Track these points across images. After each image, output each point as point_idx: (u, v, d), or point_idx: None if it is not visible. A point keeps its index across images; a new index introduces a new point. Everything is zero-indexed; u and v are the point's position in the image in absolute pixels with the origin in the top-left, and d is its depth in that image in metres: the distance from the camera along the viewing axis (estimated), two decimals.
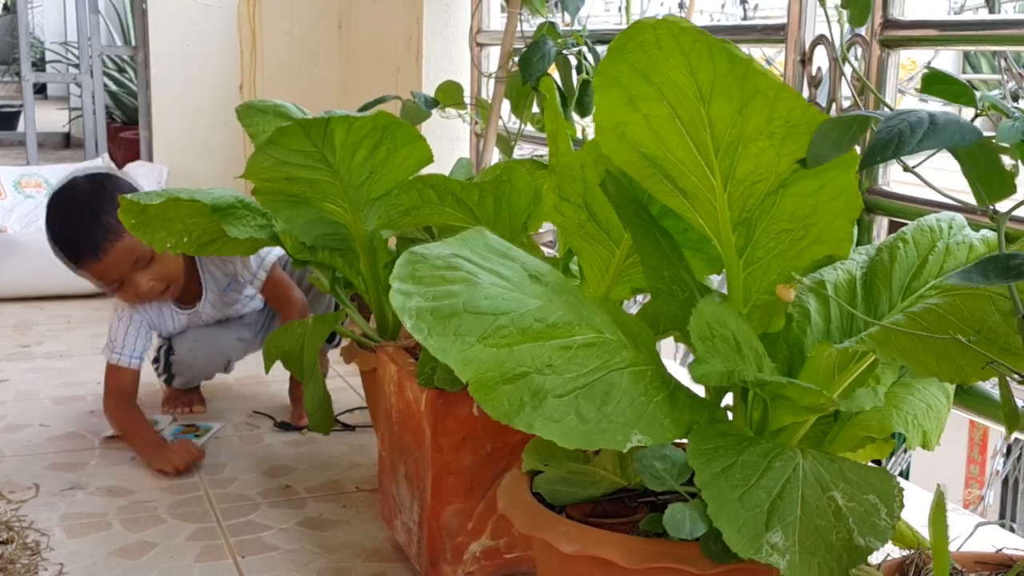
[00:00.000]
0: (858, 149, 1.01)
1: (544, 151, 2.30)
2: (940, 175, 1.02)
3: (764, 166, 1.01)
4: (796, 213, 1.04)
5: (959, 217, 1.13)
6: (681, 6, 2.67)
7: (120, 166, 3.34)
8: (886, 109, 1.19)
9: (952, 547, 0.97)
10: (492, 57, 2.57)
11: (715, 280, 1.32)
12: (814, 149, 0.93)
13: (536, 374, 0.86)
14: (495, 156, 2.14)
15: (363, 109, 2.08)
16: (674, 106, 1.00)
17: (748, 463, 0.86)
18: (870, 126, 0.87)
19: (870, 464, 0.94)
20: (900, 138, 0.71)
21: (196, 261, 2.02)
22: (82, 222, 1.88)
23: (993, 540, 1.04)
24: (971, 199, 1.02)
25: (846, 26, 1.26)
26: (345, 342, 1.83)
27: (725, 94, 0.97)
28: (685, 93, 0.99)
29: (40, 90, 6.99)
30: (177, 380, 2.10)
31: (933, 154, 0.95)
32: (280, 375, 2.12)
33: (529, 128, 2.10)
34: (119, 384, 1.95)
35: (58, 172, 3.25)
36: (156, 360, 2.12)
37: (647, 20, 0.97)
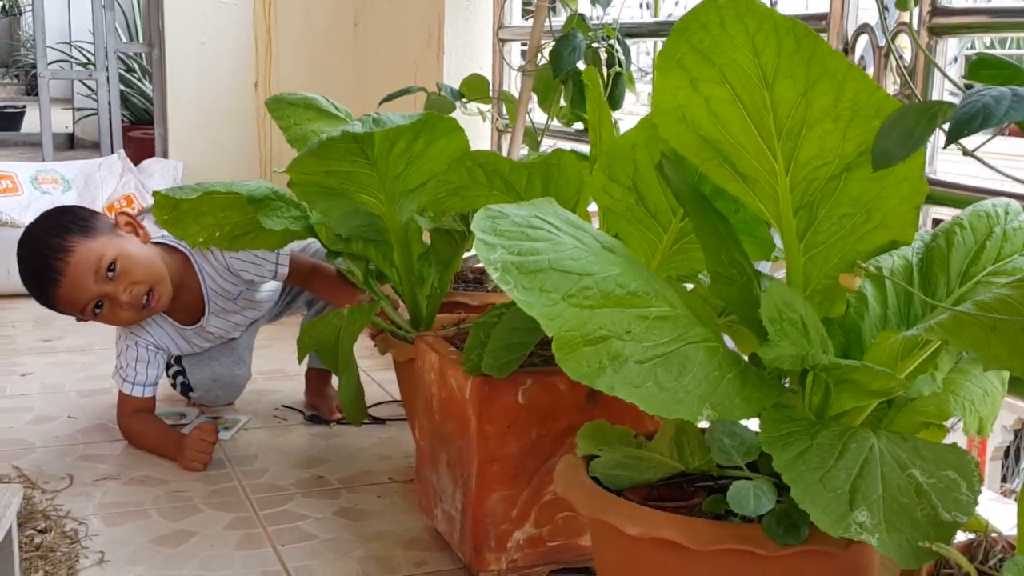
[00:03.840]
0: None
1: (567, 146, 2.31)
2: (979, 168, 1.02)
3: (829, 149, 1.01)
4: (860, 198, 1.04)
5: (1015, 203, 1.14)
6: None
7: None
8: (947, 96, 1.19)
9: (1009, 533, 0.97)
10: (514, 53, 2.58)
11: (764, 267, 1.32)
12: (880, 144, 0.91)
13: (616, 339, 0.87)
14: (523, 150, 2.14)
15: (386, 101, 2.09)
16: (736, 89, 1.01)
17: (823, 446, 0.87)
18: (945, 115, 0.86)
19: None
20: (986, 110, 0.71)
21: (198, 275, 1.93)
22: (33, 256, 1.78)
23: None
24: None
25: (892, 14, 1.26)
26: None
27: (790, 76, 0.97)
28: (748, 75, 0.99)
29: (33, 91, 6.95)
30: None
31: (991, 138, 0.95)
32: (302, 369, 2.13)
33: (553, 122, 2.10)
34: (134, 408, 1.90)
35: (74, 168, 3.25)
36: (172, 384, 2.07)
37: (713, 0, 0.97)
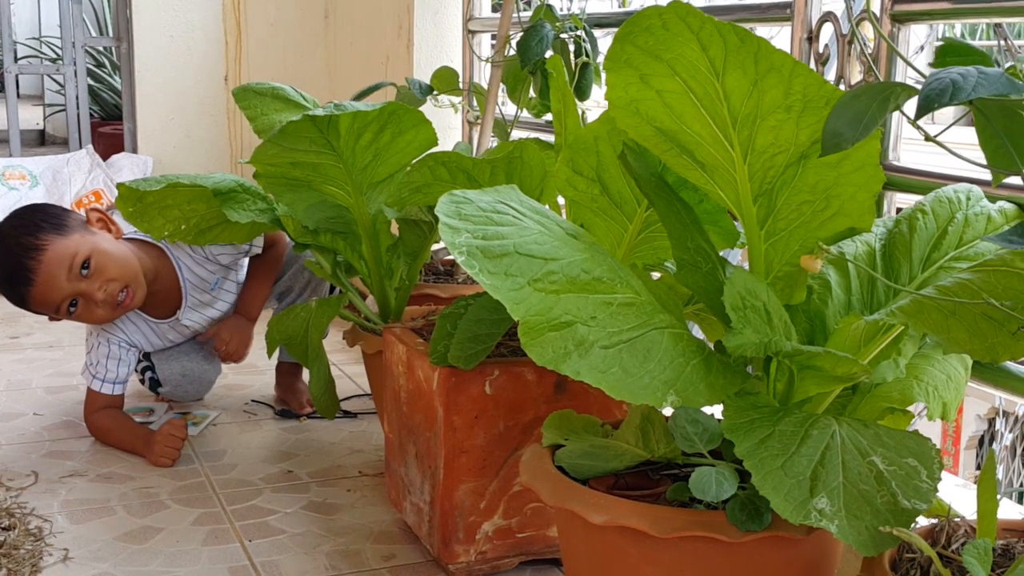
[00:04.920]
0: None
1: (537, 137, 2.30)
2: (942, 158, 1.02)
3: (784, 138, 1.01)
4: (818, 185, 1.04)
5: (976, 189, 1.14)
6: None
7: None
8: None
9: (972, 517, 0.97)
10: (484, 44, 2.56)
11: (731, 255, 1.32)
12: (831, 125, 0.90)
13: (581, 325, 0.87)
14: (492, 141, 2.13)
15: (358, 97, 2.07)
16: (687, 81, 1.01)
17: (785, 433, 0.87)
18: (899, 98, 0.85)
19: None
20: (954, 85, 0.71)
21: (175, 266, 1.90)
22: (4, 255, 1.74)
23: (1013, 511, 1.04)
24: (982, 174, 1.02)
25: (857, 2, 1.26)
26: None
27: (739, 67, 0.97)
28: (697, 68, 0.99)
29: (1, 88, 6.86)
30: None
31: (953, 124, 0.95)
32: (272, 364, 2.11)
33: (524, 114, 2.10)
34: (102, 404, 1.88)
35: (42, 164, 3.21)
36: (141, 380, 2.04)
37: (653, 7, 0.97)
